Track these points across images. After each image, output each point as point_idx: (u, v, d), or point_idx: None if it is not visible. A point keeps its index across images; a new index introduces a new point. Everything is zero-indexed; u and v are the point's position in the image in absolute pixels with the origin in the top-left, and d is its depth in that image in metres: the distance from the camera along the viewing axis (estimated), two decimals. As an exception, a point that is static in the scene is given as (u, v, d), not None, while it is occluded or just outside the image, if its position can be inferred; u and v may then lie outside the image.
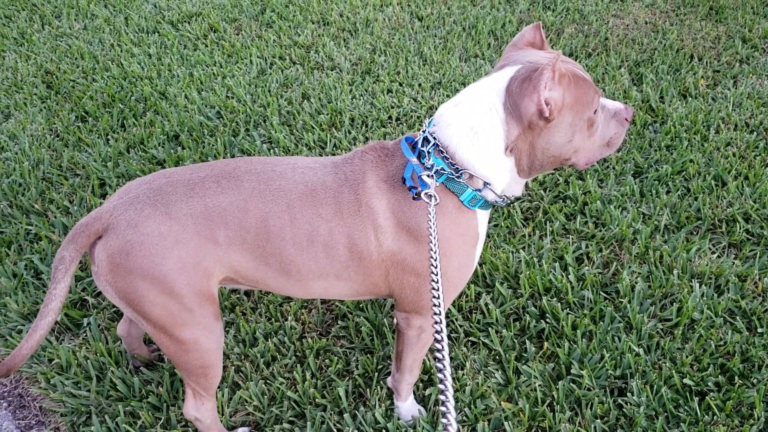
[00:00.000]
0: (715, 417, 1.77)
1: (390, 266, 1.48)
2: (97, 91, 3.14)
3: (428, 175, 1.39)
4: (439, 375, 0.98)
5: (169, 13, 3.89)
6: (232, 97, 3.10)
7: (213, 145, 2.74)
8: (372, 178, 1.45)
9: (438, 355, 1.02)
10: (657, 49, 3.64)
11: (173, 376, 1.91)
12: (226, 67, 3.34)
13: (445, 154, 1.41)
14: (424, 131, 1.46)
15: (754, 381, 1.87)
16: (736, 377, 1.88)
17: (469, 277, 1.57)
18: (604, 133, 1.48)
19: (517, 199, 1.62)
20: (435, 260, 1.24)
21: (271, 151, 2.74)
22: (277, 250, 1.44)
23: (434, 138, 1.42)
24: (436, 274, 1.21)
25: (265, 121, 2.94)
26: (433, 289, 1.17)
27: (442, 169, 1.40)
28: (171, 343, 1.47)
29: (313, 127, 2.89)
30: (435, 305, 1.12)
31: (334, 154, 2.75)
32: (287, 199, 1.43)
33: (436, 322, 1.08)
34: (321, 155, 2.73)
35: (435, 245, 1.29)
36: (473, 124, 1.39)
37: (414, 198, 1.41)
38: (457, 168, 1.41)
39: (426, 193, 1.37)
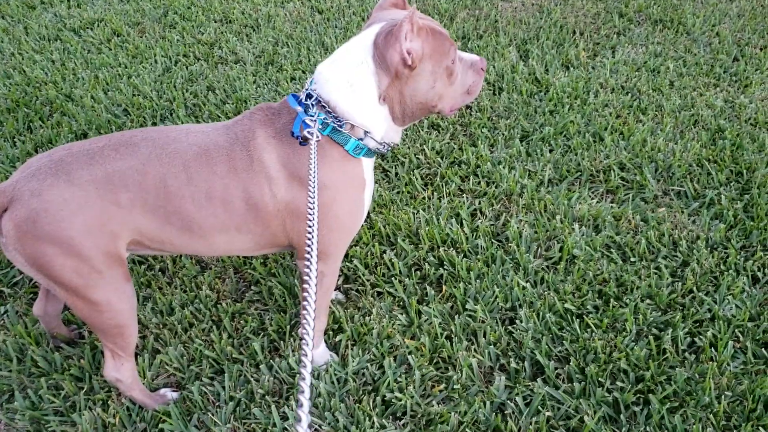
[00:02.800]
0: (593, 334, 2.00)
1: (286, 215, 1.61)
2: (0, 98, 3.14)
3: (311, 120, 1.54)
4: (304, 303, 1.03)
5: (70, 20, 3.91)
6: (139, 95, 3.16)
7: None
8: (261, 134, 1.58)
9: (307, 297, 1.04)
10: (542, 27, 3.92)
11: (94, 349, 1.98)
12: (131, 67, 3.40)
13: (327, 108, 1.56)
14: (306, 89, 1.60)
15: (627, 301, 2.11)
16: (612, 300, 2.11)
17: (361, 221, 1.72)
18: (464, 81, 1.68)
19: (396, 145, 1.77)
20: (313, 194, 1.36)
21: (180, 141, 2.83)
22: (178, 208, 1.55)
23: (316, 94, 1.57)
24: (313, 209, 1.32)
25: (171, 114, 3.02)
26: (309, 228, 1.28)
27: (325, 119, 1.55)
28: (84, 305, 1.56)
29: (219, 116, 2.99)
30: (309, 238, 1.20)
31: (241, 140, 2.86)
32: (182, 159, 1.55)
33: (307, 261, 1.12)
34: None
35: (314, 182, 1.40)
36: (348, 78, 1.55)
37: (300, 143, 1.54)
38: (340, 120, 1.56)
39: (309, 132, 1.51)
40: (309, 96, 1.58)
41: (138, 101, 3.09)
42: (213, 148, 1.57)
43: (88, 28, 3.84)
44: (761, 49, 3.70)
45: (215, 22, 3.90)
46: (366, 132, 1.60)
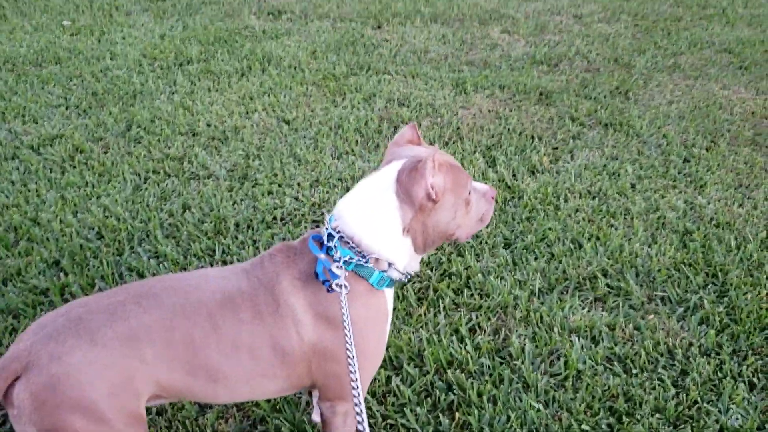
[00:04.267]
0: (614, 455, 1.98)
1: (312, 357, 1.59)
2: (-41, 225, 2.98)
3: (338, 266, 1.54)
4: None
5: (27, 137, 3.80)
6: (111, 216, 3.06)
7: (98, 267, 2.68)
8: (286, 277, 1.57)
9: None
10: (503, 134, 4.08)
11: None
12: (99, 186, 3.31)
13: (351, 244, 1.58)
14: (327, 228, 1.61)
15: (638, 417, 2.11)
16: (623, 416, 2.11)
17: (383, 353, 1.72)
18: (478, 210, 1.75)
19: (416, 273, 1.80)
20: (350, 345, 1.39)
21: (160, 265, 2.73)
22: (204, 360, 1.49)
23: (338, 233, 1.59)
24: (352, 358, 1.35)
25: (149, 236, 2.93)
26: (351, 372, 1.29)
27: (350, 258, 1.56)
28: None
29: (198, 237, 2.92)
30: (354, 387, 1.26)
31: (224, 262, 2.78)
32: (207, 309, 1.50)
33: (356, 404, 1.22)
34: (211, 264, 2.76)
35: (349, 332, 1.43)
36: (373, 214, 1.59)
37: (328, 291, 1.53)
38: (364, 255, 1.58)
39: (337, 283, 1.51)
40: (330, 237, 1.58)
41: (111, 223, 2.98)
42: (237, 295, 1.55)
43: (47, 145, 3.74)
44: (707, 150, 3.97)
45: (181, 134, 3.87)
46: (390, 264, 1.62)
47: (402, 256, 1.64)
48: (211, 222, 3.02)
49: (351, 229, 1.59)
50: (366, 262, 1.58)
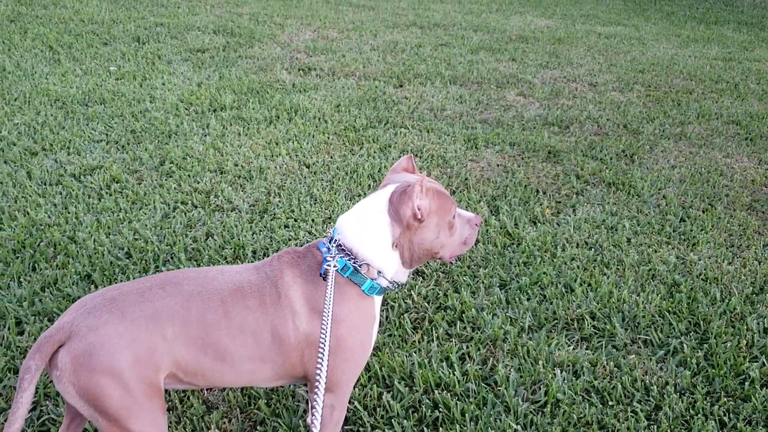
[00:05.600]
0: (583, 474, 2.13)
1: (305, 347, 1.82)
2: (6, 239, 3.27)
3: (331, 257, 1.82)
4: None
5: (70, 167, 4.14)
6: (140, 239, 3.34)
7: (125, 281, 2.94)
8: (288, 274, 1.84)
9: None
10: (508, 186, 4.33)
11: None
12: (132, 212, 3.61)
13: (349, 254, 1.84)
14: (331, 239, 1.88)
15: (610, 442, 2.27)
16: (596, 440, 2.27)
17: (369, 354, 1.93)
18: (462, 234, 2.01)
19: (403, 285, 2.00)
20: (327, 320, 1.66)
21: (182, 283, 2.99)
22: (215, 339, 1.74)
23: (337, 243, 1.86)
24: (324, 345, 1.60)
25: (172, 258, 3.20)
26: (319, 360, 1.55)
27: (346, 264, 1.83)
28: None
29: (218, 260, 3.18)
30: (318, 375, 1.52)
31: (240, 284, 3.03)
32: (220, 296, 1.77)
33: (315, 393, 1.48)
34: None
35: (329, 311, 1.70)
36: (368, 228, 1.86)
37: (323, 277, 1.80)
38: (358, 262, 1.84)
39: (326, 265, 1.79)
40: (331, 242, 1.88)
41: (140, 245, 3.26)
42: (246, 285, 1.81)
43: (87, 174, 4.07)
44: (703, 212, 4.17)
45: (210, 172, 4.19)
46: (379, 272, 1.87)
47: (391, 267, 1.89)
48: (231, 248, 3.29)
49: (349, 240, 1.86)
50: (360, 267, 1.83)
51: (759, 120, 6.28)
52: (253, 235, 3.45)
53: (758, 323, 3.00)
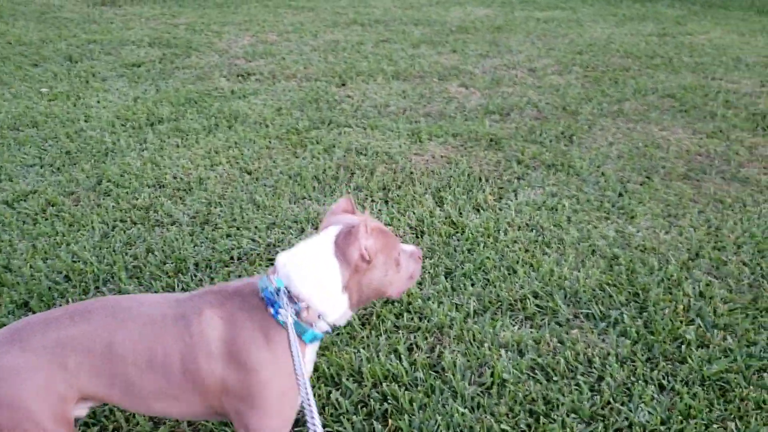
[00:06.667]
0: (529, 450, 2.18)
1: (222, 392, 1.74)
2: (-65, 273, 3.18)
3: (285, 313, 1.73)
4: None
5: (2, 194, 4.03)
6: (79, 261, 3.28)
7: (64, 305, 2.88)
8: (208, 314, 1.74)
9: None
10: (452, 176, 4.38)
11: None
12: (69, 234, 3.53)
13: (296, 302, 1.75)
14: (277, 290, 1.75)
15: (555, 417, 2.32)
16: (541, 416, 2.32)
17: (297, 406, 1.84)
18: (407, 269, 1.96)
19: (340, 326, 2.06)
20: (303, 381, 1.56)
21: (123, 302, 2.94)
22: (121, 372, 1.69)
23: (288, 290, 1.76)
24: (308, 397, 1.51)
25: (113, 277, 3.14)
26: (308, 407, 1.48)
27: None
28: None
29: (160, 276, 3.14)
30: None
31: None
32: (131, 327, 1.71)
33: None
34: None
35: (300, 365, 1.60)
36: (317, 273, 1.77)
37: (276, 320, 1.73)
38: (299, 307, 1.75)
39: (281, 318, 1.72)
40: (278, 292, 1.75)
41: (78, 267, 3.20)
42: (161, 320, 1.74)
43: (21, 200, 3.97)
44: (641, 185, 4.28)
45: (148, 187, 4.13)
46: (319, 316, 1.79)
47: (338, 311, 1.82)
48: (172, 263, 3.25)
49: (296, 286, 1.76)
50: (299, 311, 1.74)
51: (692, 91, 6.47)
52: (194, 247, 3.42)
53: (694, 288, 3.10)
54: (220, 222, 3.66)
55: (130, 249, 3.41)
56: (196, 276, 3.16)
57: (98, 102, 5.79)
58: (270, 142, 4.90)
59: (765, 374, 2.56)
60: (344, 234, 1.79)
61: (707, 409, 2.38)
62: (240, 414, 1.75)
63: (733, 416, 2.36)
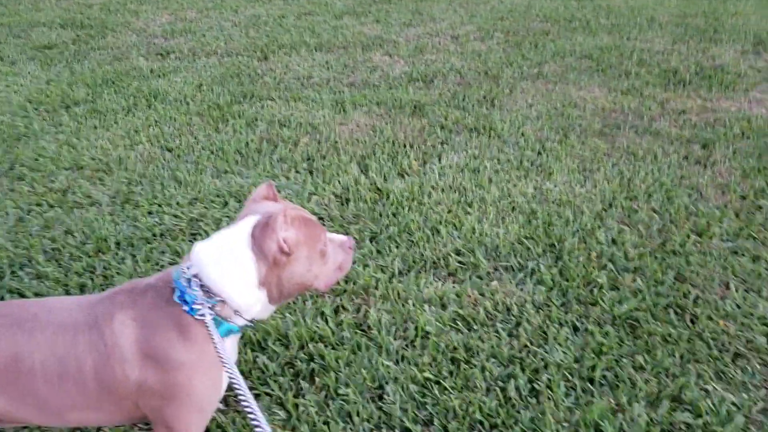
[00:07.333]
0: (450, 395, 2.27)
1: (138, 394, 1.65)
2: None
3: (200, 305, 1.65)
4: None
5: None
6: (-8, 248, 3.18)
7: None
8: (119, 317, 1.63)
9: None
10: (377, 144, 4.42)
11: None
12: (-19, 223, 3.41)
13: (209, 291, 1.65)
14: (186, 273, 1.67)
15: (475, 363, 2.42)
16: (462, 363, 2.42)
17: (217, 402, 1.79)
18: (335, 260, 1.83)
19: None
20: (233, 374, 1.52)
21: (41, 285, 2.87)
22: (30, 387, 1.58)
23: (197, 278, 1.66)
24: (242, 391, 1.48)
25: (31, 261, 3.06)
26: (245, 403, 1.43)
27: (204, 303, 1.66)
28: None
29: (80, 257, 3.08)
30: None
31: (105, 277, 2.95)
32: (38, 338, 1.59)
33: None
34: (92, 280, 2.91)
35: (229, 362, 1.56)
36: (231, 267, 1.66)
37: (193, 315, 1.64)
38: (214, 302, 1.66)
39: (200, 314, 1.64)
40: (189, 282, 1.66)
41: (-8, 254, 3.10)
42: (71, 328, 1.62)
43: (-71, 190, 3.80)
44: (559, 143, 4.42)
45: (66, 170, 4.01)
46: (236, 311, 1.70)
47: (254, 307, 1.71)
48: (92, 243, 3.19)
49: (209, 279, 1.65)
50: (213, 306, 1.65)
51: (609, 52, 6.69)
52: (116, 226, 3.35)
53: (607, 236, 3.25)
54: (142, 200, 3.60)
55: (47, 232, 3.31)
56: (118, 254, 3.11)
57: (7, 86, 5.55)
58: (191, 118, 4.82)
59: (671, 310, 2.73)
60: (261, 225, 1.66)
61: (617, 346, 2.52)
62: (162, 413, 1.67)
63: (641, 351, 2.51)
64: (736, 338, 2.57)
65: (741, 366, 2.44)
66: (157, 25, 7.87)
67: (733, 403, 2.27)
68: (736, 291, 2.84)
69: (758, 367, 2.44)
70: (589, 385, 2.31)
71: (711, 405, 2.25)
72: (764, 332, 2.60)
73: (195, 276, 1.66)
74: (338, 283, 2.91)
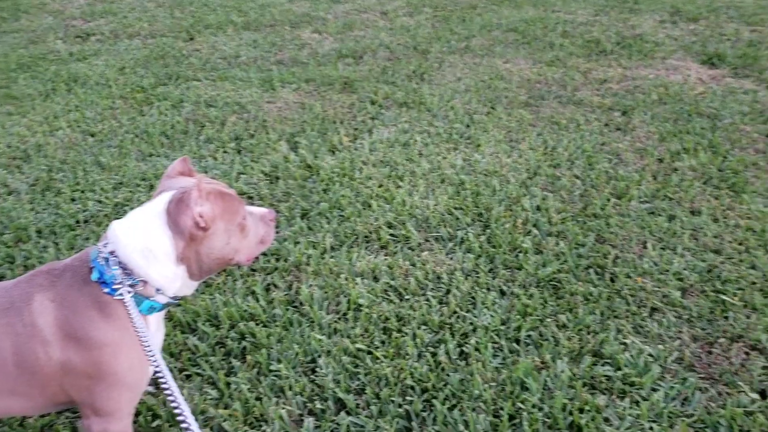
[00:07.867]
0: (382, 363, 2.31)
1: (63, 376, 1.63)
2: None
3: (119, 284, 1.62)
4: None
5: None
6: None
7: None
8: (38, 299, 1.62)
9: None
10: (306, 121, 4.40)
11: None
12: None
13: (125, 269, 1.63)
14: (105, 255, 1.64)
15: (407, 331, 2.47)
16: (394, 332, 2.46)
17: (145, 377, 1.75)
18: (257, 233, 1.82)
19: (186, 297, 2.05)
20: (152, 354, 1.53)
21: (-43, 278, 2.76)
22: None
23: (114, 256, 1.63)
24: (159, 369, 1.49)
25: (-56, 255, 2.94)
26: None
27: (122, 281, 1.63)
28: None
29: (-1, 248, 2.97)
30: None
31: (25, 266, 2.85)
32: None
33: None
34: (10, 271, 2.82)
35: (147, 340, 1.55)
36: (146, 245, 1.63)
37: (112, 296, 1.62)
38: (135, 280, 1.64)
39: (119, 295, 1.62)
40: (106, 261, 1.63)
41: None
42: None
43: None
44: (486, 115, 4.50)
45: (-20, 159, 3.84)
46: (158, 290, 1.67)
47: (174, 284, 1.69)
48: (11, 232, 3.07)
49: (126, 256, 1.63)
50: (135, 284, 1.63)
51: (534, 24, 6.80)
52: (36, 214, 3.24)
53: (531, 203, 3.35)
54: (63, 187, 3.49)
55: (-39, 225, 3.18)
56: (39, 243, 3.01)
57: None
58: (114, 102, 4.68)
59: (591, 270, 2.85)
60: (176, 201, 1.64)
61: (542, 307, 2.62)
62: (89, 393, 1.65)
63: (564, 310, 2.61)
64: (652, 294, 2.70)
65: (657, 319, 2.57)
66: (74, 7, 7.55)
67: (650, 355, 2.40)
68: (653, 249, 2.98)
69: (673, 319, 2.57)
70: (515, 345, 2.40)
71: (629, 357, 2.37)
72: (679, 287, 2.74)
73: (112, 253, 1.63)
74: (269, 261, 2.91)
